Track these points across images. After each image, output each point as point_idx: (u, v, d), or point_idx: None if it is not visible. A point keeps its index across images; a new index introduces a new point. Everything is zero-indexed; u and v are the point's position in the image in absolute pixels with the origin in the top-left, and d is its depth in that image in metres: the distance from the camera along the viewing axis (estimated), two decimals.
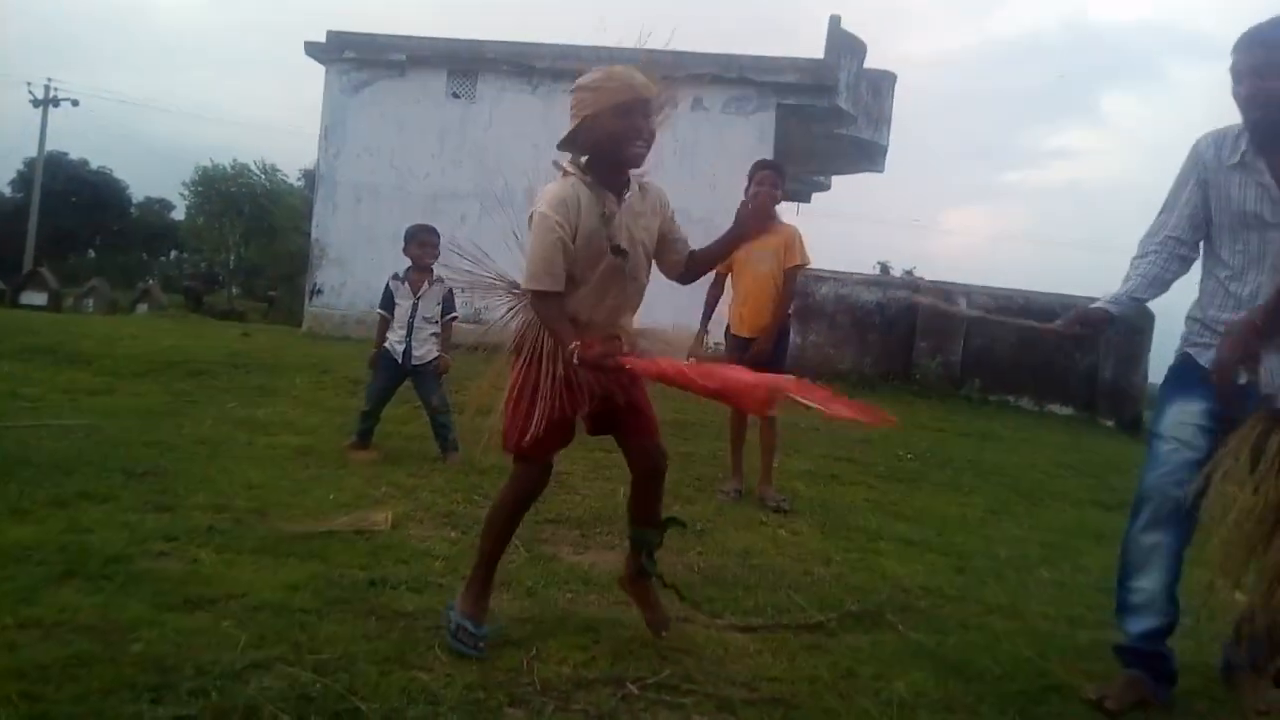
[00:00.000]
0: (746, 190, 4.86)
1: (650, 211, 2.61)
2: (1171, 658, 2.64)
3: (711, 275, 4.89)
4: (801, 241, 4.95)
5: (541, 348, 2.49)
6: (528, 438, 2.47)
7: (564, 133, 2.54)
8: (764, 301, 4.91)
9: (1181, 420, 2.60)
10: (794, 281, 4.97)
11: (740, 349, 4.91)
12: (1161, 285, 2.75)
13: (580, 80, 2.51)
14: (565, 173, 2.53)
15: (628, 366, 2.41)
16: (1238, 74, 2.48)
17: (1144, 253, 2.76)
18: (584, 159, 2.54)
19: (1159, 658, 2.63)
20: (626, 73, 2.46)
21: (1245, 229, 2.58)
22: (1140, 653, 2.63)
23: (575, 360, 2.37)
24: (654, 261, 2.68)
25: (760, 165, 5.00)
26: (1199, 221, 2.68)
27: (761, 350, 4.82)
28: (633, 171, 2.57)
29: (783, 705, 2.41)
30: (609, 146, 2.47)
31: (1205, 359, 2.61)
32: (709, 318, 5.09)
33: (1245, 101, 2.48)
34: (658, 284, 2.72)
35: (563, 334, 2.43)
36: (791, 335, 5.12)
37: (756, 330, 4.91)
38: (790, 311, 5.09)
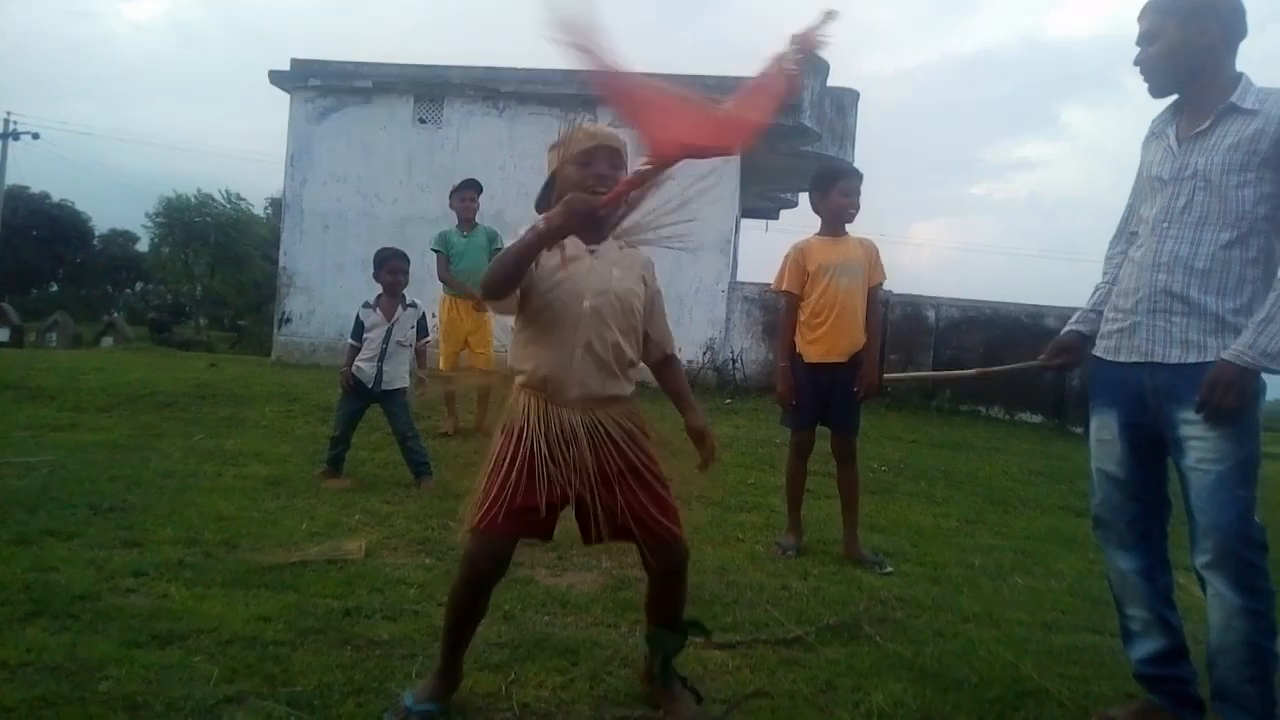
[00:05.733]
0: (820, 203, 4.31)
1: (630, 270, 2.43)
2: (1191, 680, 2.50)
3: (782, 301, 4.40)
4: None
5: (520, 427, 2.31)
6: (482, 517, 2.27)
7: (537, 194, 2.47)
8: (847, 321, 4.25)
9: (1099, 437, 2.57)
10: (879, 301, 4.44)
11: (819, 381, 4.28)
12: None
13: (551, 143, 2.48)
14: None
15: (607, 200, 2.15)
16: (1157, 32, 2.41)
17: (1110, 255, 2.72)
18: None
19: (1174, 681, 2.50)
20: (592, 125, 2.43)
21: (1151, 194, 2.50)
22: (1151, 677, 2.53)
23: (561, 216, 2.11)
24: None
25: (838, 173, 4.40)
26: None
27: (870, 380, 4.25)
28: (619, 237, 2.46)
29: None
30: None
31: (1104, 349, 2.57)
32: (789, 354, 4.35)
33: (1164, 56, 2.41)
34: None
35: (531, 237, 2.15)
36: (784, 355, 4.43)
37: (839, 355, 4.25)
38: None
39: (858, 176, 4.37)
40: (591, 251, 2.38)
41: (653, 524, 2.30)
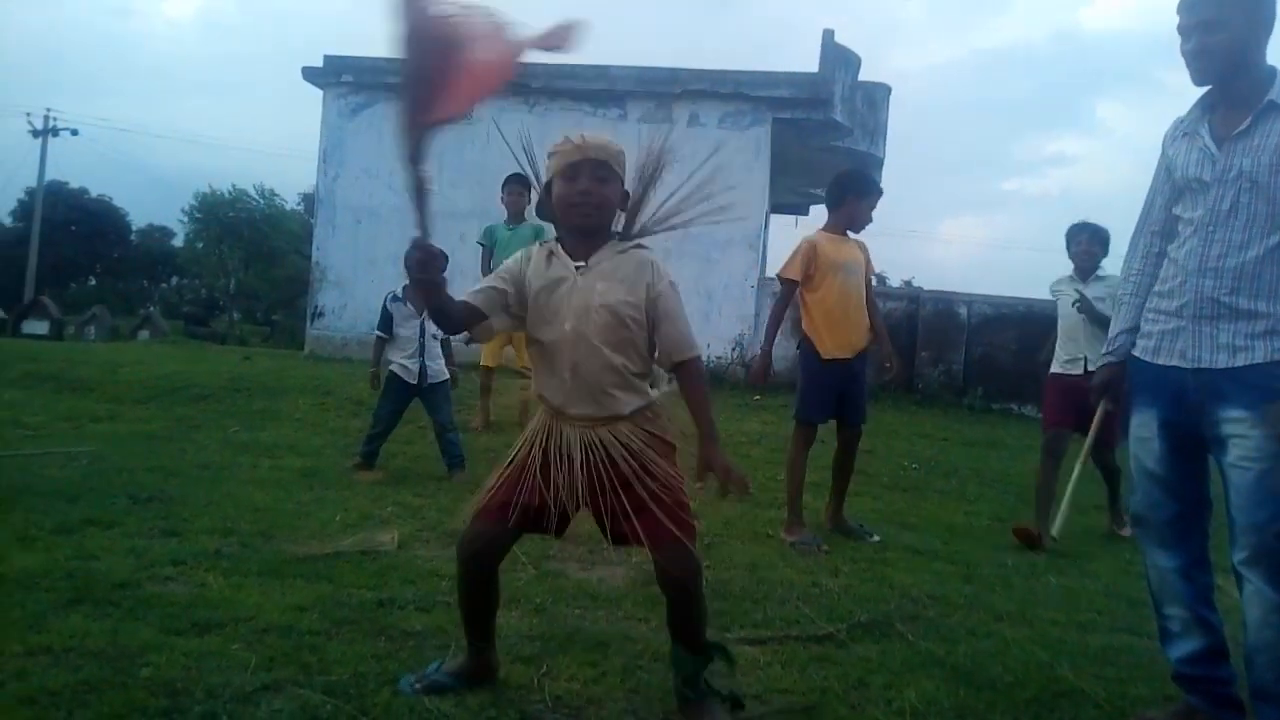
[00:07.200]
0: (851, 206, 4.59)
1: (621, 279, 2.32)
2: (1231, 682, 2.44)
3: (781, 288, 4.69)
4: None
5: (531, 433, 2.38)
6: (472, 506, 2.38)
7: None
8: (857, 318, 4.54)
9: (1138, 435, 2.54)
10: (874, 294, 4.77)
11: (835, 375, 4.50)
12: None
13: (550, 149, 2.42)
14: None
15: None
16: (1222, 21, 2.34)
17: (1128, 271, 2.67)
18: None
19: (1213, 682, 2.45)
20: (582, 135, 2.34)
21: (1191, 195, 2.44)
22: (1189, 678, 2.49)
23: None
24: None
25: (876, 187, 4.70)
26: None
27: (897, 371, 4.76)
28: (633, 243, 2.40)
29: (794, 716, 2.40)
30: (558, 210, 2.36)
31: (1143, 350, 2.54)
32: (773, 339, 4.68)
33: (1226, 45, 2.35)
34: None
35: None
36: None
37: (852, 350, 4.52)
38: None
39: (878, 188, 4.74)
40: (579, 268, 2.33)
41: (657, 534, 2.21)
